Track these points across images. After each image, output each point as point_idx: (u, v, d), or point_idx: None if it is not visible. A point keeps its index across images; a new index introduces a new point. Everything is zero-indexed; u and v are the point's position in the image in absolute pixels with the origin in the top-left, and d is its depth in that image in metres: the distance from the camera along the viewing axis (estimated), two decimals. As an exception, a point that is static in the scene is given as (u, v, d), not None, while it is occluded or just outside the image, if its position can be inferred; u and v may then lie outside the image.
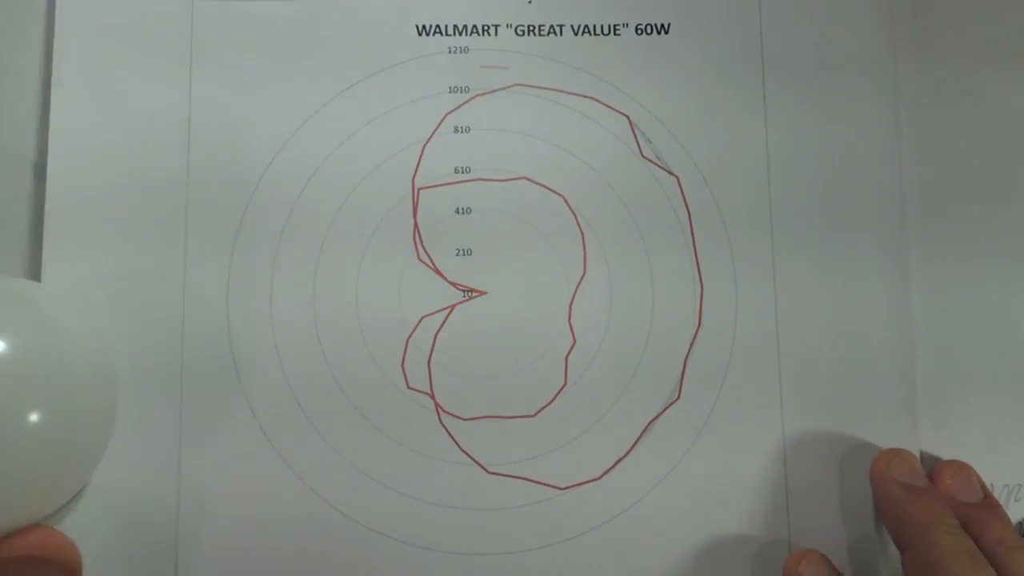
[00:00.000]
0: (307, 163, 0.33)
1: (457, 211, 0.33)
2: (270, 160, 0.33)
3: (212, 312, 0.32)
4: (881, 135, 0.34)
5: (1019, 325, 0.34)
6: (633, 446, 0.32)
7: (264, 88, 0.33)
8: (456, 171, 0.33)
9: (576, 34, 0.34)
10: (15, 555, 0.27)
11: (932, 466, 0.32)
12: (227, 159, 0.33)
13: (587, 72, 0.34)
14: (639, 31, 0.34)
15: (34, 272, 0.32)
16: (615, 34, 0.34)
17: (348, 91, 0.33)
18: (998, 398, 0.33)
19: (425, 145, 0.33)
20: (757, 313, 0.33)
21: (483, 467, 0.32)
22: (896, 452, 0.31)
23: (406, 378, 0.32)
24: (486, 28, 0.34)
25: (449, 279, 0.33)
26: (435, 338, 0.32)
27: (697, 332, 0.33)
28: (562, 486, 0.32)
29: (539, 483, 0.32)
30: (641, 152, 0.33)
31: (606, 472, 0.32)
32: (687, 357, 0.33)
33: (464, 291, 0.33)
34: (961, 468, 0.31)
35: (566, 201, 0.33)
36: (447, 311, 0.32)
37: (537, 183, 0.33)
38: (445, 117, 0.33)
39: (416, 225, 0.33)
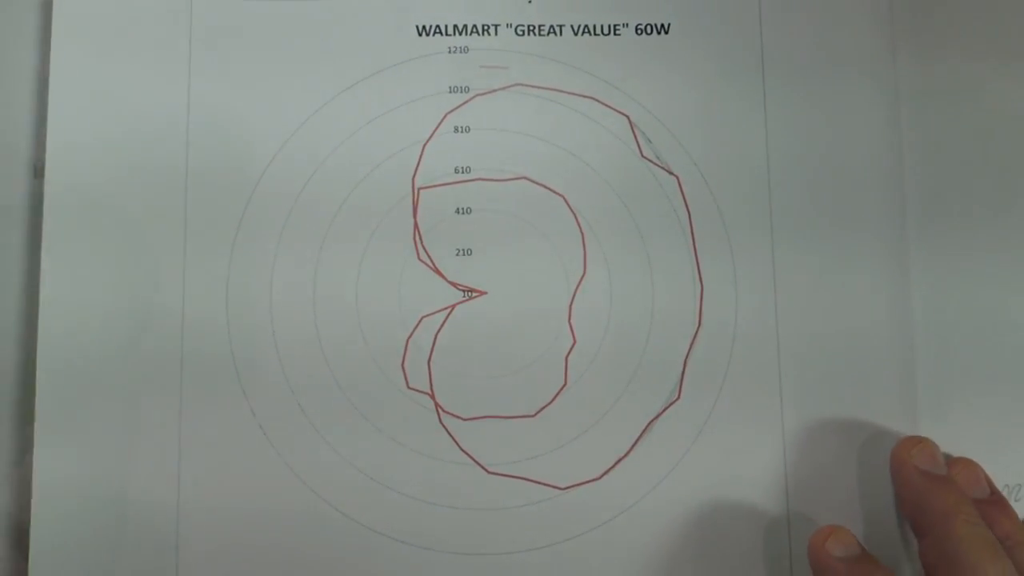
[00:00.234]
0: (307, 163, 0.33)
1: (457, 211, 0.33)
2: (270, 160, 0.33)
3: (212, 312, 0.32)
4: (881, 135, 0.34)
5: (1019, 325, 0.34)
6: (633, 446, 0.32)
7: (264, 87, 0.33)
8: (456, 171, 0.33)
9: (576, 34, 0.34)
10: None
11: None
12: (226, 159, 0.33)
13: (587, 72, 0.34)
14: (639, 31, 0.34)
15: (33, 271, 0.32)
16: (615, 34, 0.34)
17: (348, 91, 0.33)
18: (998, 398, 0.33)
19: (425, 145, 0.33)
20: (757, 313, 0.33)
21: (483, 467, 0.32)
22: (917, 440, 0.31)
23: (406, 378, 0.32)
24: (486, 28, 0.34)
25: (449, 279, 0.33)
26: (435, 338, 0.32)
27: (697, 332, 0.33)
28: (562, 486, 0.32)
29: (539, 483, 0.32)
30: (641, 152, 0.33)
31: (606, 472, 0.32)
32: (687, 357, 0.33)
33: (464, 291, 0.33)
34: (968, 464, 0.31)
35: (566, 201, 0.33)
36: (447, 311, 0.32)
37: (537, 183, 0.33)
38: (445, 117, 0.33)
39: (416, 225, 0.33)
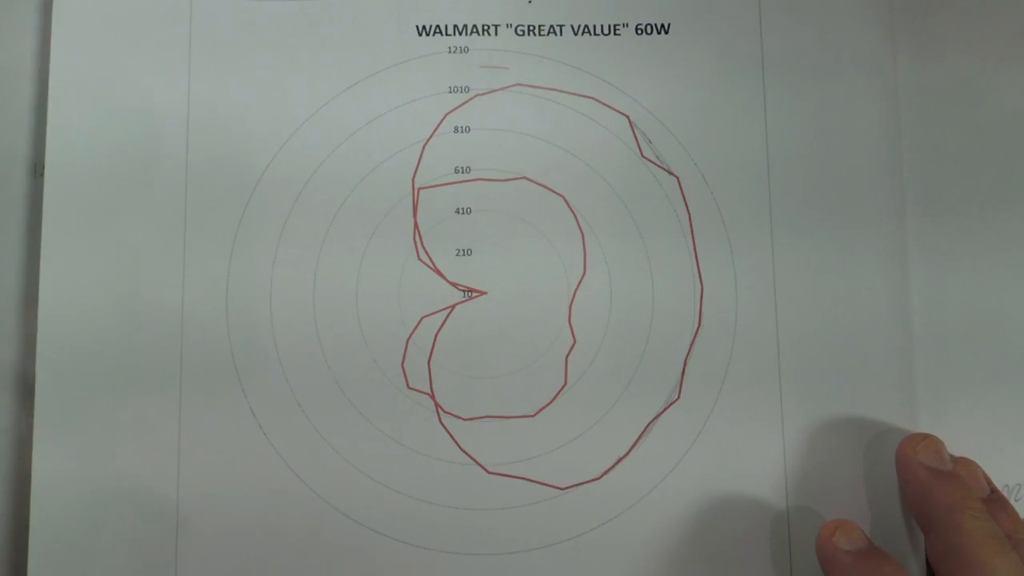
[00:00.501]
0: (307, 163, 0.33)
1: (457, 211, 0.33)
2: (270, 160, 0.33)
3: (212, 312, 0.32)
4: (881, 135, 0.34)
5: (1019, 324, 0.34)
6: (633, 446, 0.32)
7: (264, 87, 0.33)
8: (456, 171, 0.33)
9: (576, 34, 0.34)
10: None
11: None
12: (226, 159, 0.33)
13: (587, 72, 0.34)
14: (639, 31, 0.34)
15: (33, 271, 0.32)
16: (615, 34, 0.34)
17: (348, 91, 0.33)
18: (998, 397, 0.33)
19: (425, 145, 0.33)
20: (757, 313, 0.33)
21: (483, 467, 0.32)
22: (923, 436, 0.31)
23: (406, 378, 0.32)
24: (486, 28, 0.34)
25: (449, 279, 0.33)
26: (435, 338, 0.32)
27: (697, 332, 0.33)
28: (562, 486, 0.32)
29: (539, 483, 0.32)
30: (641, 152, 0.33)
31: (606, 472, 0.32)
32: (687, 357, 0.33)
33: (464, 291, 0.33)
34: (968, 464, 0.31)
35: (566, 201, 0.33)
36: (447, 311, 0.32)
37: (537, 183, 0.33)
38: (445, 117, 0.33)
39: (416, 225, 0.33)
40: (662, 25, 0.34)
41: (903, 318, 0.33)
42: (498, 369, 0.32)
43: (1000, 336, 0.34)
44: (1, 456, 0.32)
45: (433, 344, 0.32)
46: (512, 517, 0.32)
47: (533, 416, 0.32)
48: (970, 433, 0.33)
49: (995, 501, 0.31)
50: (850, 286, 0.33)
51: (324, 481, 0.31)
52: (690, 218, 0.33)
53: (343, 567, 0.31)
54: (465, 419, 0.32)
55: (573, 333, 0.33)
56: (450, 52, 0.34)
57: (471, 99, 0.33)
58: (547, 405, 0.32)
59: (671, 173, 0.33)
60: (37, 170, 0.33)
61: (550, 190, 0.33)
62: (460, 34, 0.34)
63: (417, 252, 0.33)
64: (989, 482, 0.31)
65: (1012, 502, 0.32)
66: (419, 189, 0.33)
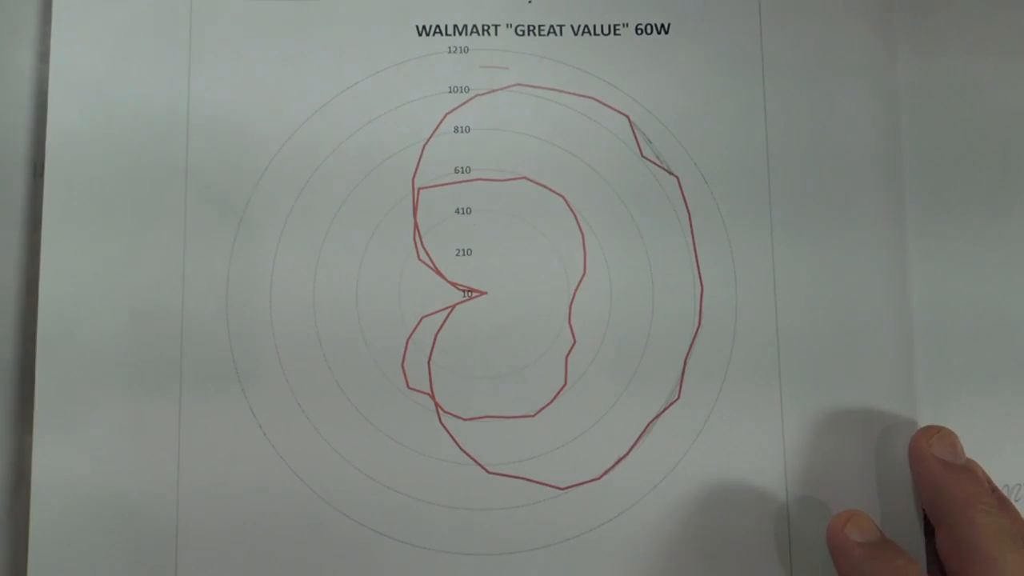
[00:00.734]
0: (307, 163, 0.33)
1: (457, 211, 0.33)
2: (269, 160, 0.33)
3: (211, 312, 0.32)
4: (880, 134, 0.34)
5: (1019, 322, 0.34)
6: (633, 446, 0.32)
7: (264, 87, 0.33)
8: (456, 171, 0.33)
9: (576, 34, 0.34)
10: None
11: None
12: (226, 159, 0.33)
13: (587, 72, 0.34)
14: (639, 31, 0.34)
15: (32, 271, 0.32)
16: (615, 34, 0.34)
17: (348, 91, 0.33)
18: (998, 398, 0.33)
19: (425, 145, 0.33)
20: (757, 313, 0.33)
21: (483, 467, 0.32)
22: (936, 429, 0.31)
23: (406, 378, 0.32)
24: (486, 28, 0.34)
25: (449, 279, 0.33)
26: (435, 338, 0.32)
27: (697, 332, 0.33)
28: (562, 486, 0.32)
29: (539, 483, 0.32)
30: (641, 152, 0.33)
31: (606, 472, 0.32)
32: (687, 357, 0.33)
33: (464, 291, 0.33)
34: (968, 463, 0.31)
35: (566, 201, 0.33)
36: (447, 311, 0.32)
37: (537, 183, 0.33)
38: (445, 117, 0.33)
39: (416, 225, 0.33)
40: (662, 25, 0.34)
41: (903, 318, 0.33)
42: (498, 369, 0.32)
43: (1000, 335, 0.34)
44: (1, 456, 0.32)
45: (433, 344, 0.32)
46: (512, 517, 0.32)
47: (533, 416, 0.32)
48: (970, 433, 0.32)
49: (997, 500, 0.31)
50: (850, 286, 0.33)
51: (324, 481, 0.31)
52: (690, 218, 0.33)
53: (343, 567, 0.31)
54: (465, 419, 0.32)
55: (573, 333, 0.33)
56: (450, 52, 0.34)
57: (471, 99, 0.33)
58: (547, 405, 0.32)
59: (671, 173, 0.33)
60: (37, 170, 0.33)
61: (550, 190, 0.33)
62: (460, 34, 0.34)
63: (417, 252, 0.33)
64: (989, 482, 0.31)
65: (1013, 502, 0.32)
66: (419, 189, 0.33)
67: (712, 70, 0.34)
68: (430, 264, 0.33)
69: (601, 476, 0.32)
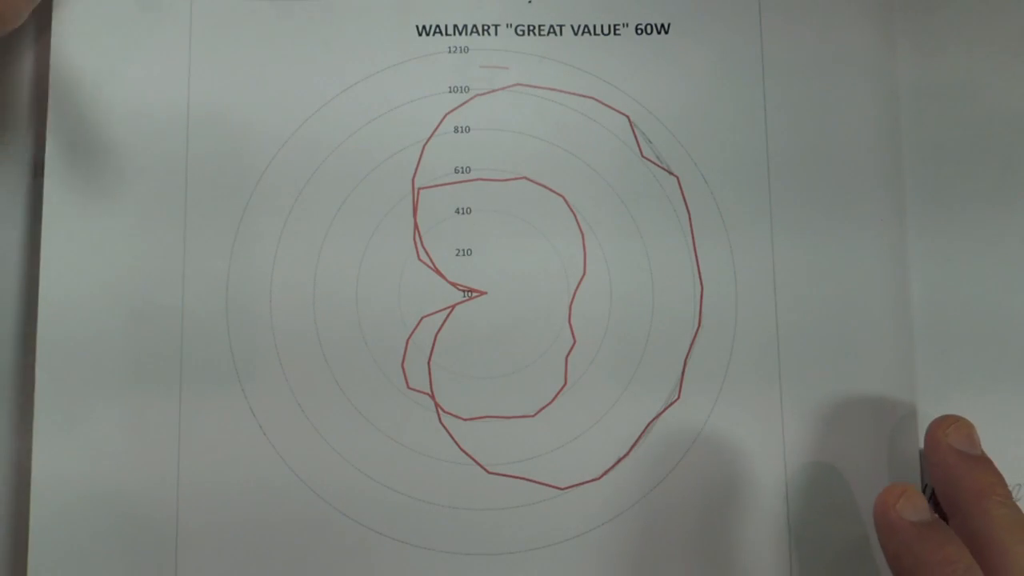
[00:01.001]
0: (307, 163, 0.33)
1: (457, 211, 0.33)
2: (269, 160, 0.33)
3: (211, 311, 0.32)
4: (880, 134, 0.34)
5: (1019, 321, 0.34)
6: (633, 446, 0.32)
7: (264, 87, 0.33)
8: (456, 171, 0.33)
9: (576, 34, 0.34)
10: None
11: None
12: (226, 159, 0.33)
13: (587, 72, 0.34)
14: (639, 31, 0.34)
15: (33, 271, 0.32)
16: (615, 34, 0.34)
17: (348, 90, 0.33)
18: (998, 397, 0.33)
19: (425, 145, 0.33)
20: (757, 313, 0.33)
21: (483, 467, 0.32)
22: (954, 419, 0.31)
23: (406, 378, 0.32)
24: (486, 28, 0.34)
25: (449, 279, 0.33)
26: (435, 338, 0.32)
27: (697, 332, 0.33)
28: (562, 486, 0.32)
29: (539, 483, 0.32)
30: (641, 152, 0.33)
31: (606, 472, 0.32)
32: (687, 357, 0.33)
33: (464, 291, 0.33)
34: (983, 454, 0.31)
35: (566, 201, 0.33)
36: (447, 311, 0.32)
37: (537, 183, 0.33)
38: (445, 117, 0.33)
39: (416, 225, 0.33)
40: (662, 25, 0.34)
41: (903, 318, 0.33)
42: (498, 369, 0.32)
43: (1000, 335, 0.34)
44: (1, 456, 0.32)
45: (433, 344, 0.32)
46: (512, 517, 0.32)
47: (533, 416, 0.32)
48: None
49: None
50: (850, 286, 0.33)
51: (324, 481, 0.31)
52: (690, 218, 0.33)
53: (343, 567, 0.31)
54: (465, 419, 0.32)
55: (573, 333, 0.33)
56: (450, 52, 0.34)
57: (471, 99, 0.33)
58: (547, 405, 0.32)
59: (671, 173, 0.33)
60: (37, 170, 0.33)
61: (550, 190, 0.33)
62: (460, 34, 0.34)
63: (417, 252, 0.33)
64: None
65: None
66: (419, 189, 0.33)
67: (712, 70, 0.34)
68: (430, 264, 0.33)
69: (601, 476, 0.32)
